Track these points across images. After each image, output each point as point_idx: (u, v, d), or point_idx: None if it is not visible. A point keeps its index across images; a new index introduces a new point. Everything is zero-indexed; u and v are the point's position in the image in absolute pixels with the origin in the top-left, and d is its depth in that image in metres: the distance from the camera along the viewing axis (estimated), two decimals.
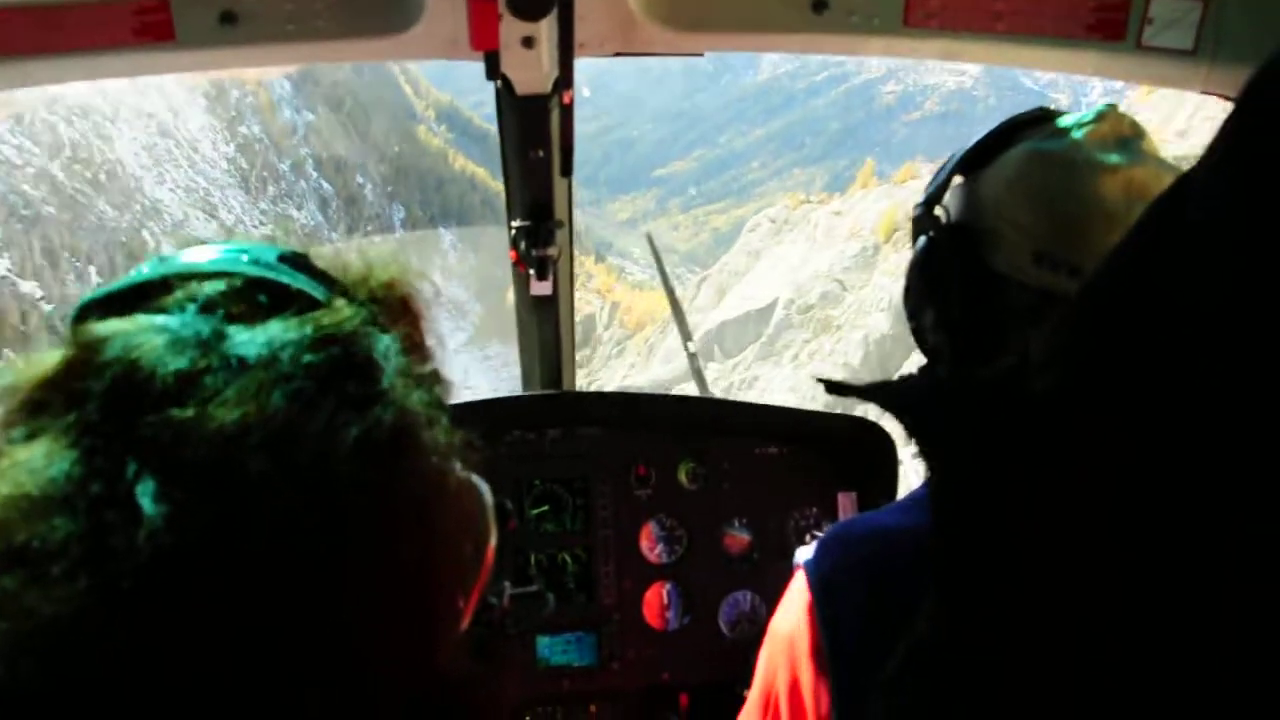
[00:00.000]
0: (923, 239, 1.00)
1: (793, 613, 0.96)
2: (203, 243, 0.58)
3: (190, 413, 0.46)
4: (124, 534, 0.43)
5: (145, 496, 0.44)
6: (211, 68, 1.46)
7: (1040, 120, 0.98)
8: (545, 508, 2.15)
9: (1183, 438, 0.38)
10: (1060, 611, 0.42)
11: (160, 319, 0.50)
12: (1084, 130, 0.93)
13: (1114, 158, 0.90)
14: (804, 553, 0.97)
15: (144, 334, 0.49)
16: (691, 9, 1.40)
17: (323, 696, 0.47)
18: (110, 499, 0.44)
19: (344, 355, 0.51)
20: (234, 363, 0.48)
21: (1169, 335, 0.39)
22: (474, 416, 2.27)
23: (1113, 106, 0.95)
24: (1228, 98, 1.29)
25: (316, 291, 0.55)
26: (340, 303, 0.55)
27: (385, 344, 0.54)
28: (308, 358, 0.49)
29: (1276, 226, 0.34)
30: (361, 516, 0.49)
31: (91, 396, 0.47)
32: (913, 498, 1.00)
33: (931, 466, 0.52)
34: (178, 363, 0.47)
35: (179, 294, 0.52)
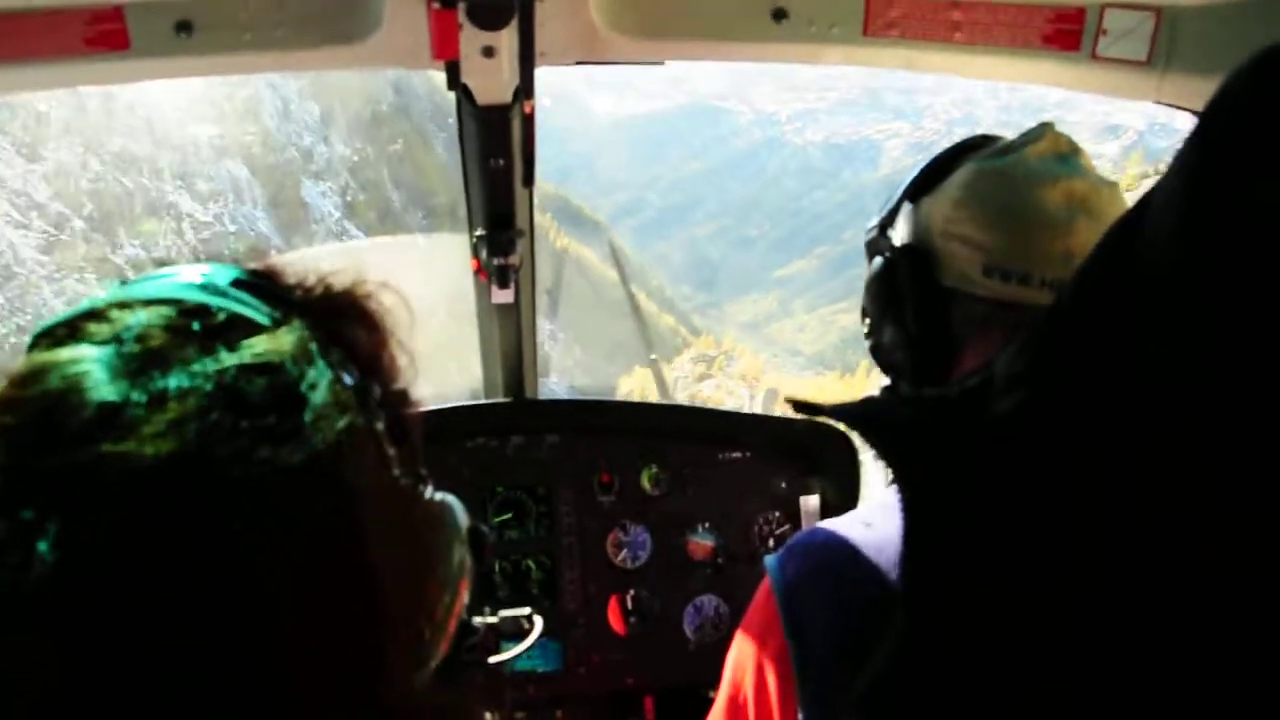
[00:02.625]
0: (877, 260, 1.08)
1: (759, 618, 0.99)
2: (169, 265, 0.59)
3: (109, 448, 0.46)
4: (15, 576, 0.44)
5: (44, 540, 0.45)
6: (166, 77, 1.47)
7: (981, 144, 1.08)
8: (509, 515, 2.23)
9: (1146, 453, 0.39)
10: (1031, 624, 0.44)
11: (95, 350, 0.50)
12: (1024, 148, 1.00)
13: (1054, 171, 0.98)
14: (771, 560, 1.01)
15: (78, 365, 0.50)
16: (653, 18, 1.45)
17: None
18: (9, 542, 0.45)
19: (268, 386, 0.51)
20: (157, 396, 0.48)
21: (1131, 353, 0.40)
22: (437, 424, 2.11)
23: (1049, 125, 1.02)
24: (1181, 108, 1.33)
25: (261, 316, 0.55)
26: (283, 330, 0.55)
27: (314, 374, 0.53)
28: (228, 389, 0.49)
29: (1234, 239, 0.36)
30: (273, 552, 0.48)
31: (6, 432, 0.48)
32: (877, 504, 1.02)
33: (901, 484, 0.54)
34: (105, 394, 0.48)
35: (116, 324, 0.52)
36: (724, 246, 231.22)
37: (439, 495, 0.68)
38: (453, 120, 1.73)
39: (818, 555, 0.97)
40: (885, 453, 0.59)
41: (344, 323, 0.60)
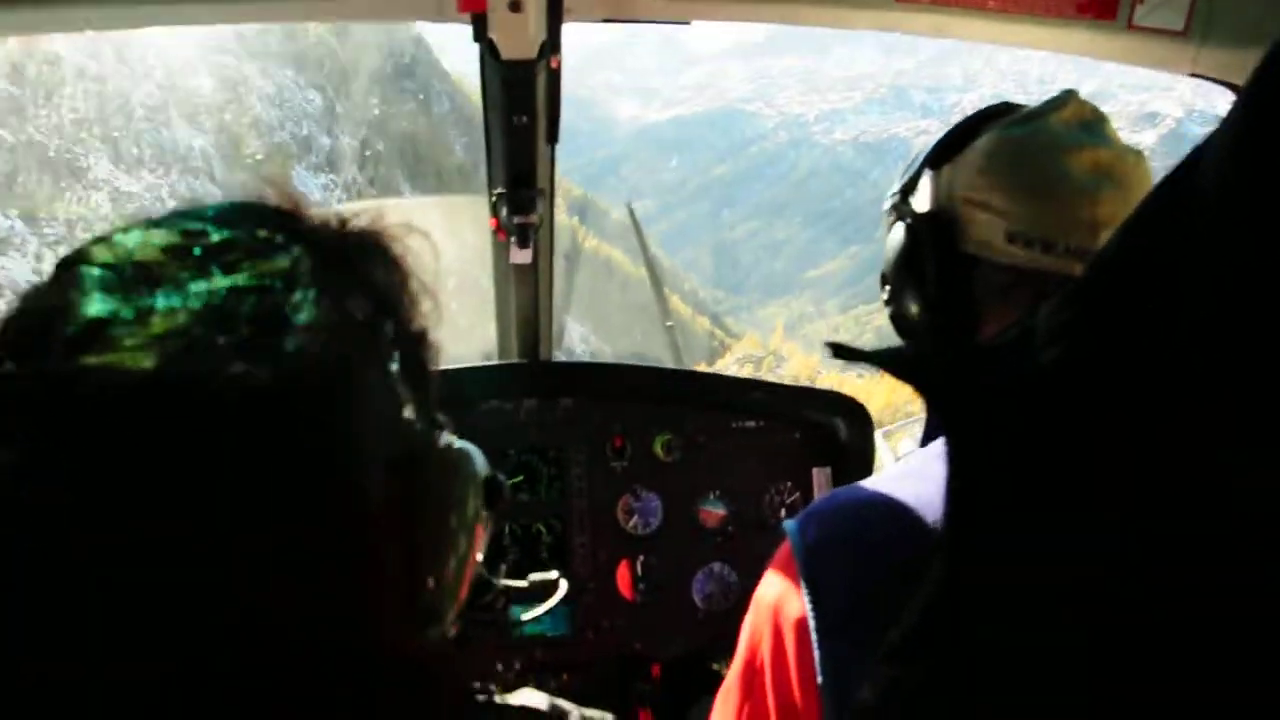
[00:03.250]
0: (898, 227, 1.09)
1: (778, 581, 0.98)
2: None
3: (90, 360, 0.48)
4: None
5: (6, 448, 0.46)
6: (181, 23, 1.45)
7: (1005, 112, 1.07)
8: (520, 478, 2.20)
9: (1189, 408, 0.40)
10: (1073, 575, 0.44)
11: (95, 270, 0.53)
12: (1048, 115, 1.00)
13: (1078, 138, 0.97)
14: (791, 524, 1.00)
15: (76, 283, 0.52)
16: None
17: (204, 665, 0.47)
18: None
19: (254, 306, 0.52)
20: (144, 312, 0.50)
21: (1176, 307, 0.41)
22: (449, 385, 2.76)
23: (1072, 92, 1.02)
24: (1217, 80, 1.34)
25: (263, 243, 0.57)
26: (280, 255, 0.56)
27: (301, 297, 0.53)
28: (215, 309, 0.50)
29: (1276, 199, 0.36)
30: (243, 473, 0.48)
31: (2, 346, 0.51)
32: (897, 471, 1.04)
33: (947, 429, 0.55)
34: (93, 310, 0.50)
35: (118, 247, 0.55)
36: (755, 249, 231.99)
37: (458, 443, 0.68)
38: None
39: (838, 520, 0.97)
40: (930, 398, 0.63)
41: (360, 258, 0.61)
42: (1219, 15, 1.26)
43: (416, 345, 0.65)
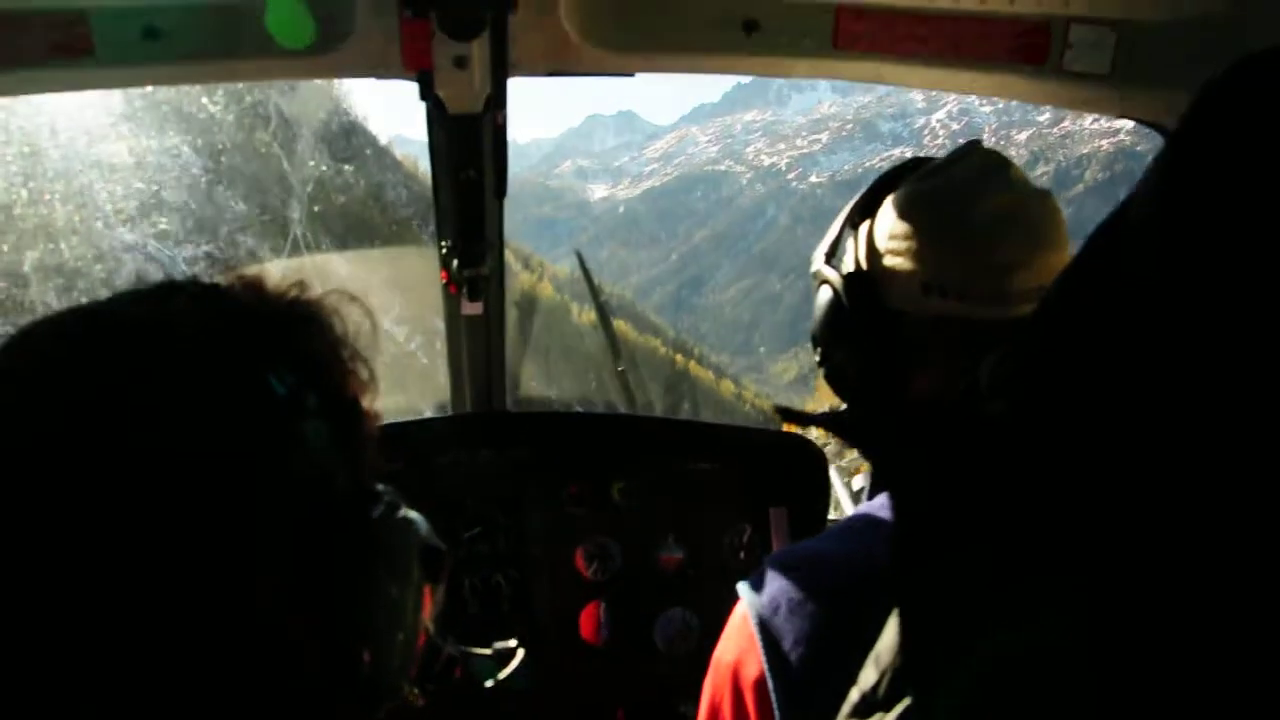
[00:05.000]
0: (824, 289, 1.13)
1: (735, 643, 1.00)
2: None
3: None
4: None
5: None
6: (132, 84, 1.50)
7: (915, 167, 1.12)
8: (478, 529, 2.21)
9: (1129, 452, 0.41)
10: (1025, 616, 0.44)
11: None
12: (952, 166, 1.06)
13: (982, 185, 1.03)
14: (744, 585, 1.02)
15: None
16: (625, 29, 1.47)
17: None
18: None
19: (144, 386, 0.53)
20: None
21: (1114, 355, 0.43)
22: (405, 437, 2.27)
23: (976, 142, 1.09)
24: (1142, 120, 1.40)
25: (169, 319, 0.58)
26: (187, 331, 0.57)
27: (195, 376, 0.55)
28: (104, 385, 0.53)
29: (1211, 249, 0.39)
30: (122, 554, 0.49)
31: None
32: (848, 524, 1.06)
33: (890, 486, 0.58)
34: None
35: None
36: (752, 306, 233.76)
37: (403, 512, 0.67)
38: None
39: (791, 578, 0.98)
40: (874, 460, 0.71)
41: (287, 331, 0.62)
42: (1143, 59, 1.32)
43: (347, 414, 0.65)
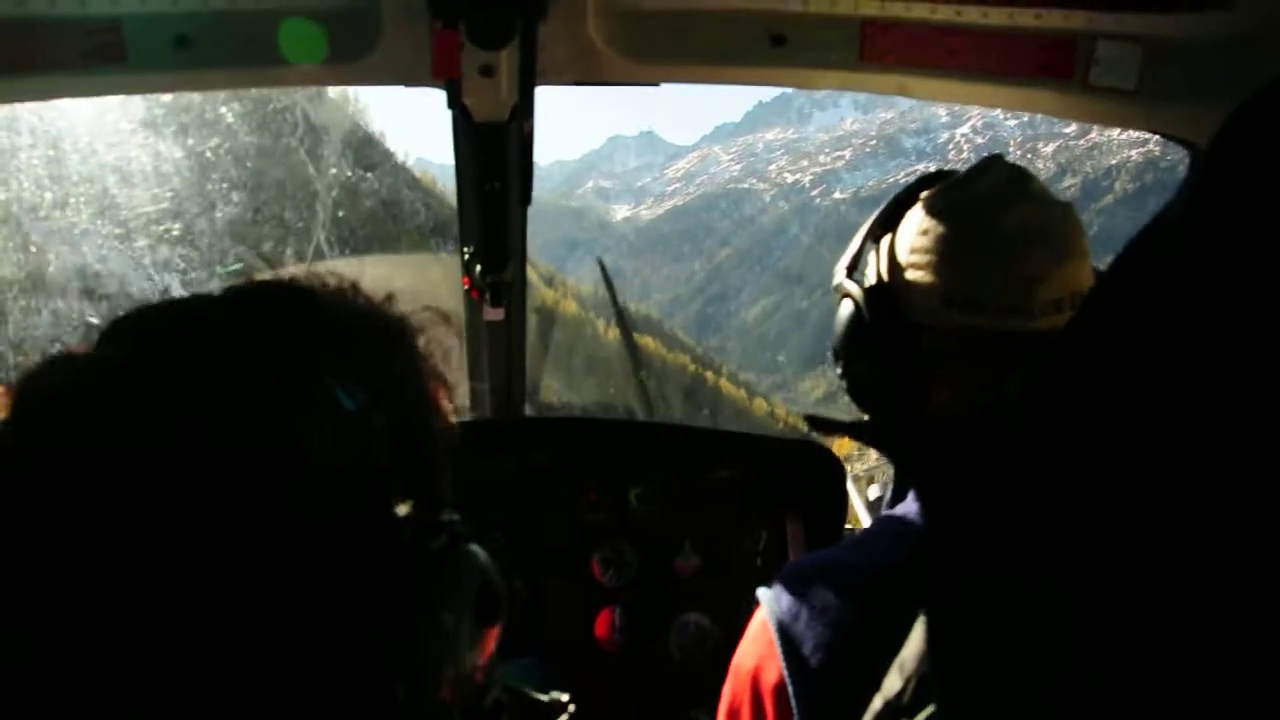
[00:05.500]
0: (845, 302, 1.14)
1: (755, 650, 1.01)
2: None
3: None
4: None
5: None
6: (163, 90, 1.53)
7: (936, 180, 1.13)
8: (495, 534, 2.23)
9: (1160, 467, 0.42)
10: (1053, 634, 0.45)
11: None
12: (974, 180, 1.07)
13: (1002, 199, 1.03)
14: (764, 591, 1.03)
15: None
16: (651, 40, 1.50)
17: None
18: None
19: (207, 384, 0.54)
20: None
21: (1145, 370, 0.44)
22: None
23: (997, 156, 1.10)
24: (1168, 135, 1.41)
25: (261, 328, 0.59)
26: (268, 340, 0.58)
27: (263, 385, 0.55)
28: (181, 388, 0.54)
29: (1244, 261, 0.40)
30: (173, 550, 0.50)
31: None
32: (869, 532, 1.08)
33: (921, 500, 0.59)
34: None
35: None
36: (778, 324, 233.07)
37: (467, 546, 0.66)
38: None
39: (812, 584, 0.98)
40: (902, 466, 0.73)
41: (369, 347, 0.62)
42: (1169, 75, 1.34)
43: (417, 437, 0.64)
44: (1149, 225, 0.46)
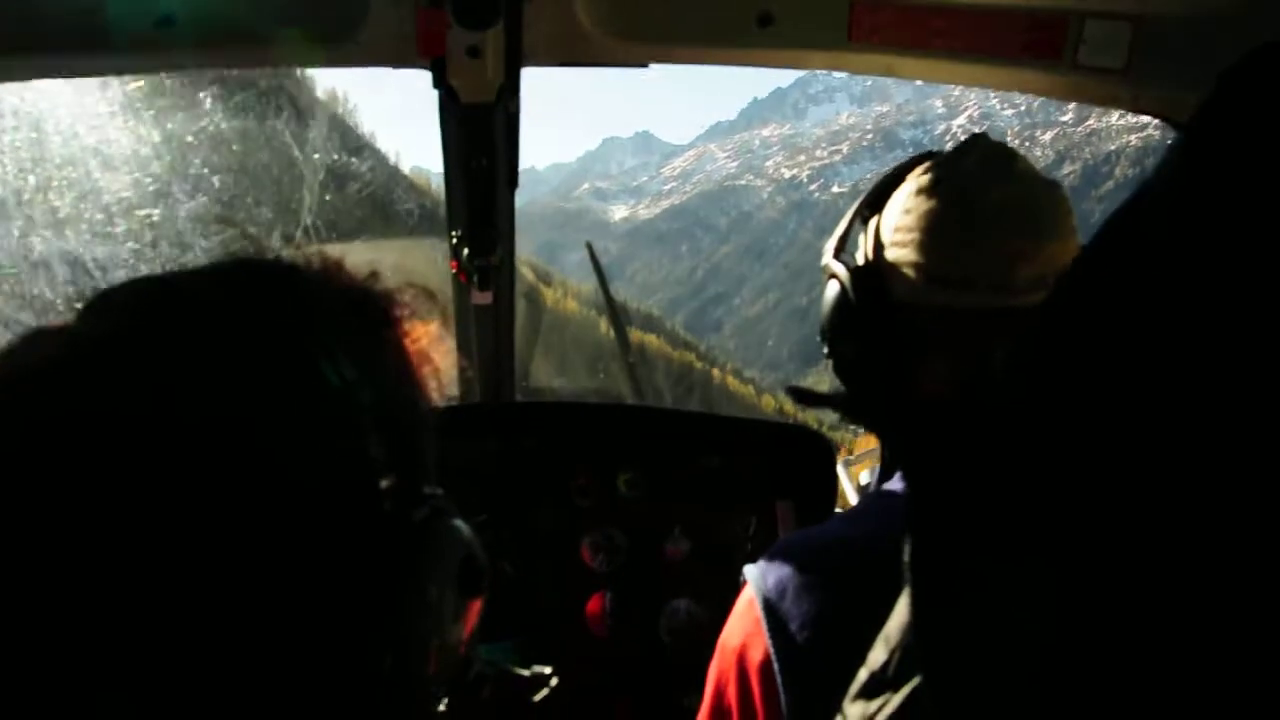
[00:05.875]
0: (832, 283, 1.15)
1: (742, 627, 1.01)
2: None
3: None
4: None
5: None
6: (145, 71, 1.54)
7: (923, 160, 1.14)
8: (484, 517, 2.20)
9: (1147, 439, 0.42)
10: (1040, 612, 0.45)
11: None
12: (957, 160, 1.08)
13: (986, 177, 1.04)
14: (751, 568, 1.03)
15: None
16: (638, 20, 1.50)
17: None
18: None
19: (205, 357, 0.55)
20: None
21: (1124, 339, 0.44)
22: None
23: (982, 135, 1.11)
24: (1156, 115, 1.42)
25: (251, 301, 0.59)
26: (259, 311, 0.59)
27: (250, 355, 0.56)
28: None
29: (1228, 236, 0.40)
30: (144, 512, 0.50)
31: None
32: (857, 509, 1.09)
33: (906, 470, 0.59)
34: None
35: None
36: (779, 320, 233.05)
37: (450, 520, 0.67)
38: None
39: (798, 562, 0.99)
40: (886, 438, 0.73)
41: (352, 322, 0.63)
42: (1158, 54, 1.34)
43: (401, 412, 0.65)
44: (1128, 200, 0.47)
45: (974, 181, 1.05)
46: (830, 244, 1.20)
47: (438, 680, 0.67)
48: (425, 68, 1.49)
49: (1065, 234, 1.04)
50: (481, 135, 1.66)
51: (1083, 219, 1.04)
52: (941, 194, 1.06)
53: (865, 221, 1.16)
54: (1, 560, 0.49)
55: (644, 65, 1.60)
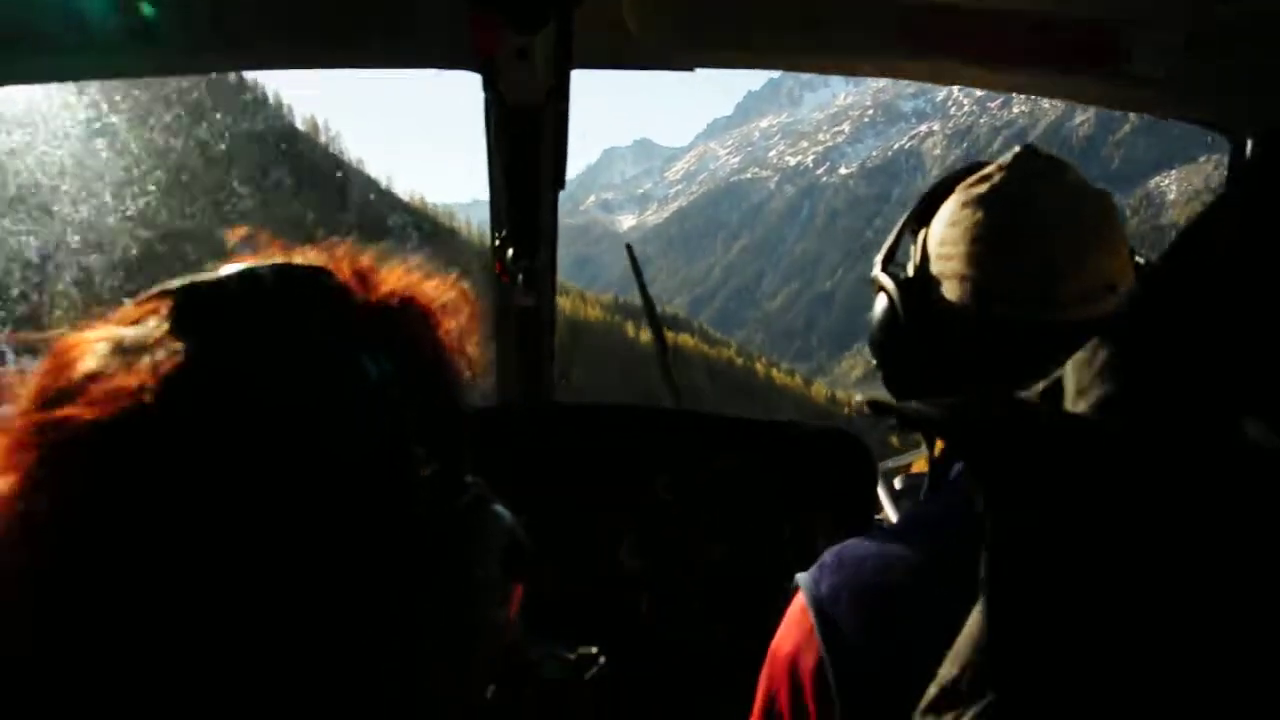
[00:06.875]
0: (880, 296, 1.16)
1: (793, 635, 1.02)
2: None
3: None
4: None
5: None
6: (200, 71, 1.57)
7: (971, 171, 1.14)
8: (523, 519, 2.64)
9: (1230, 449, 0.42)
10: (1125, 627, 0.46)
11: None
12: (1004, 171, 1.08)
13: (1033, 189, 1.05)
14: (803, 576, 1.05)
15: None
16: (685, 25, 1.52)
17: None
18: None
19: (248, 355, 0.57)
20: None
21: (1204, 352, 0.44)
22: None
23: (1031, 146, 1.11)
24: (1209, 124, 1.44)
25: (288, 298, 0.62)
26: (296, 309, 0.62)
27: (296, 350, 0.58)
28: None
29: None
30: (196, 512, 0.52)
31: None
32: (911, 521, 1.11)
33: (987, 482, 0.56)
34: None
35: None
36: (803, 309, 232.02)
37: (491, 505, 0.70)
38: None
39: (853, 571, 1.00)
40: (972, 455, 0.61)
41: (387, 319, 0.66)
42: (1208, 63, 1.35)
43: (441, 404, 0.68)
44: (1206, 210, 0.48)
45: (1020, 193, 1.06)
46: (879, 256, 1.22)
47: (484, 664, 0.69)
48: (474, 70, 1.52)
49: (1113, 245, 1.04)
50: (529, 138, 1.68)
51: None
52: (988, 206, 1.07)
53: (914, 234, 1.17)
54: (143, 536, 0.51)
55: (689, 69, 1.65)
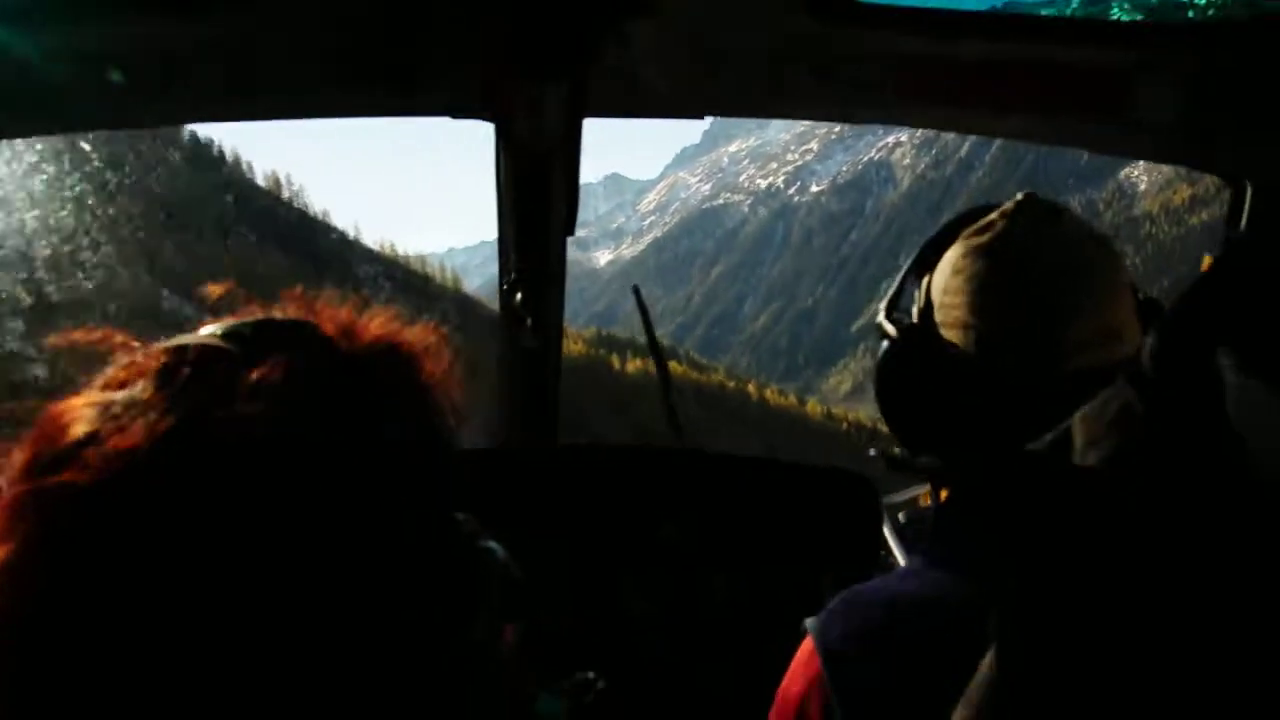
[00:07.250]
0: (885, 344, 1.16)
1: (803, 678, 1.03)
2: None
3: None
4: None
5: None
6: (217, 120, 1.59)
7: (974, 217, 1.15)
8: (527, 563, 2.45)
9: (1240, 496, 0.42)
10: (1137, 676, 0.46)
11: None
12: (1006, 219, 1.09)
13: (1032, 238, 1.06)
14: (812, 621, 1.05)
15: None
16: (698, 74, 1.54)
17: None
18: None
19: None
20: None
21: (1217, 403, 0.44)
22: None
23: (1032, 195, 1.11)
24: (1214, 171, 1.45)
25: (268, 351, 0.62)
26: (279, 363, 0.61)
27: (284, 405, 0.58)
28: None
29: None
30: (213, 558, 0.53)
31: None
32: (917, 565, 1.10)
33: (1002, 531, 0.58)
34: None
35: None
36: (786, 328, 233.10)
37: (482, 542, 0.72)
38: None
39: (861, 616, 1.01)
40: (983, 508, 0.73)
41: (370, 368, 0.67)
42: (1213, 111, 1.36)
43: (429, 443, 0.69)
44: (1217, 259, 0.49)
45: (1023, 241, 1.07)
46: (883, 303, 1.22)
47: (478, 700, 0.69)
48: (486, 118, 1.54)
49: (1115, 291, 1.05)
50: (539, 183, 1.72)
51: None
52: (990, 254, 1.07)
53: (919, 280, 1.18)
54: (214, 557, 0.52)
55: (700, 117, 1.67)
